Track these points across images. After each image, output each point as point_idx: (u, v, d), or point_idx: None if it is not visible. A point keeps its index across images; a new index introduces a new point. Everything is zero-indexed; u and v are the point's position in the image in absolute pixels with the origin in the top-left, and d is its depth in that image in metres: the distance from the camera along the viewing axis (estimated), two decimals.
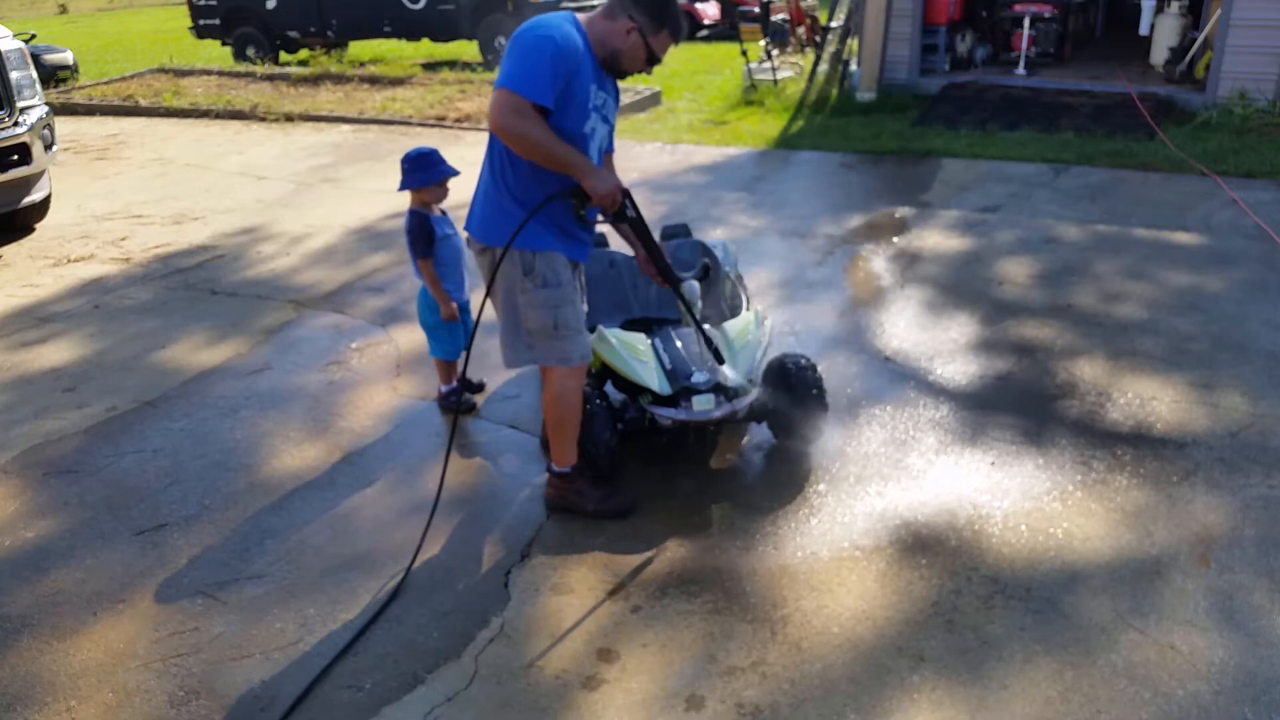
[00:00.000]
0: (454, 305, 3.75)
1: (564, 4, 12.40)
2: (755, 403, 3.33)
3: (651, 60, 2.85)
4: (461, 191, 7.08)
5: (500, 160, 2.85)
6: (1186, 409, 3.71)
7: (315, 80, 11.87)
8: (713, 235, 5.80)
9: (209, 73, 12.77)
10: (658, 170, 7.61)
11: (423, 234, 3.65)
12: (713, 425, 3.41)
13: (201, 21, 14.58)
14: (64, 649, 2.67)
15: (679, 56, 14.33)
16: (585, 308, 3.09)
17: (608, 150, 3.05)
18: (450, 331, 3.82)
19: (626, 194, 2.89)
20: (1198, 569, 2.81)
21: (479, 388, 4.04)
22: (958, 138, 8.09)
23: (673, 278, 3.16)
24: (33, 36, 10.06)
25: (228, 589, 2.89)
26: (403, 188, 3.70)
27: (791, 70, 10.88)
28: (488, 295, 2.95)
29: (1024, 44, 10.03)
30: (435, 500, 3.07)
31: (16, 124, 6.07)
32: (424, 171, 3.66)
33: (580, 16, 2.83)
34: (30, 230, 6.60)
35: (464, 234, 3.09)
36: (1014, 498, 3.19)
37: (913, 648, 2.55)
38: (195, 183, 7.81)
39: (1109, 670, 2.45)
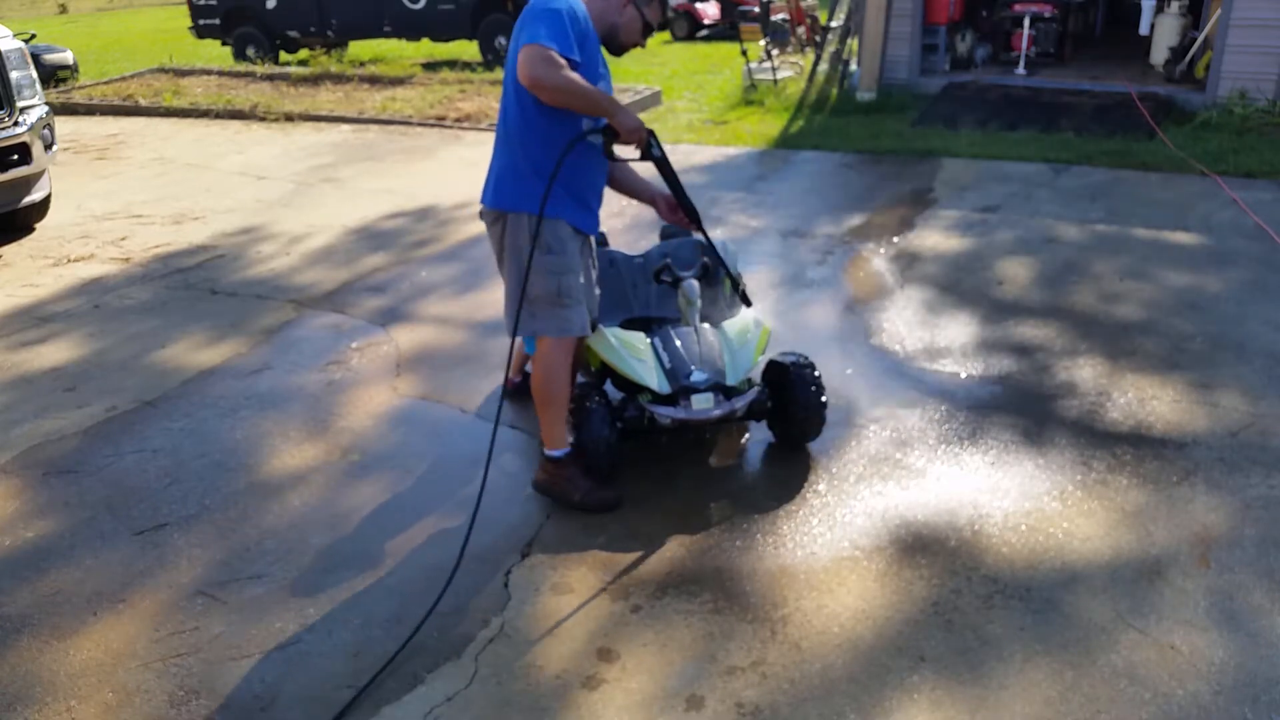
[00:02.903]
0: None
1: None
2: (754, 402, 3.34)
3: (646, 31, 3.05)
4: (463, 192, 7.07)
5: (516, 129, 2.94)
6: (1186, 409, 3.71)
7: (315, 80, 11.86)
8: (713, 235, 5.78)
9: (209, 73, 12.76)
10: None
11: None
12: (712, 424, 3.41)
13: (201, 21, 14.58)
14: (64, 649, 2.67)
15: (679, 56, 14.34)
16: (596, 280, 3.15)
17: None
18: None
19: (651, 133, 3.00)
20: (1198, 569, 2.81)
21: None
22: (958, 138, 8.09)
23: (697, 218, 3.29)
24: (33, 36, 10.06)
25: (228, 589, 2.89)
26: None
27: (791, 70, 10.88)
28: (530, 265, 2.98)
29: (1024, 44, 10.03)
30: (476, 504, 3.01)
31: (16, 124, 6.07)
32: None
33: None
34: (30, 230, 6.60)
35: (479, 206, 3.13)
36: (1014, 498, 3.19)
37: (913, 648, 2.55)
38: (195, 182, 7.80)
39: (1109, 670, 2.45)
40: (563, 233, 2.98)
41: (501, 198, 3.00)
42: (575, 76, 2.76)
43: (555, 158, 2.89)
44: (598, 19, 2.96)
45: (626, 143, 2.95)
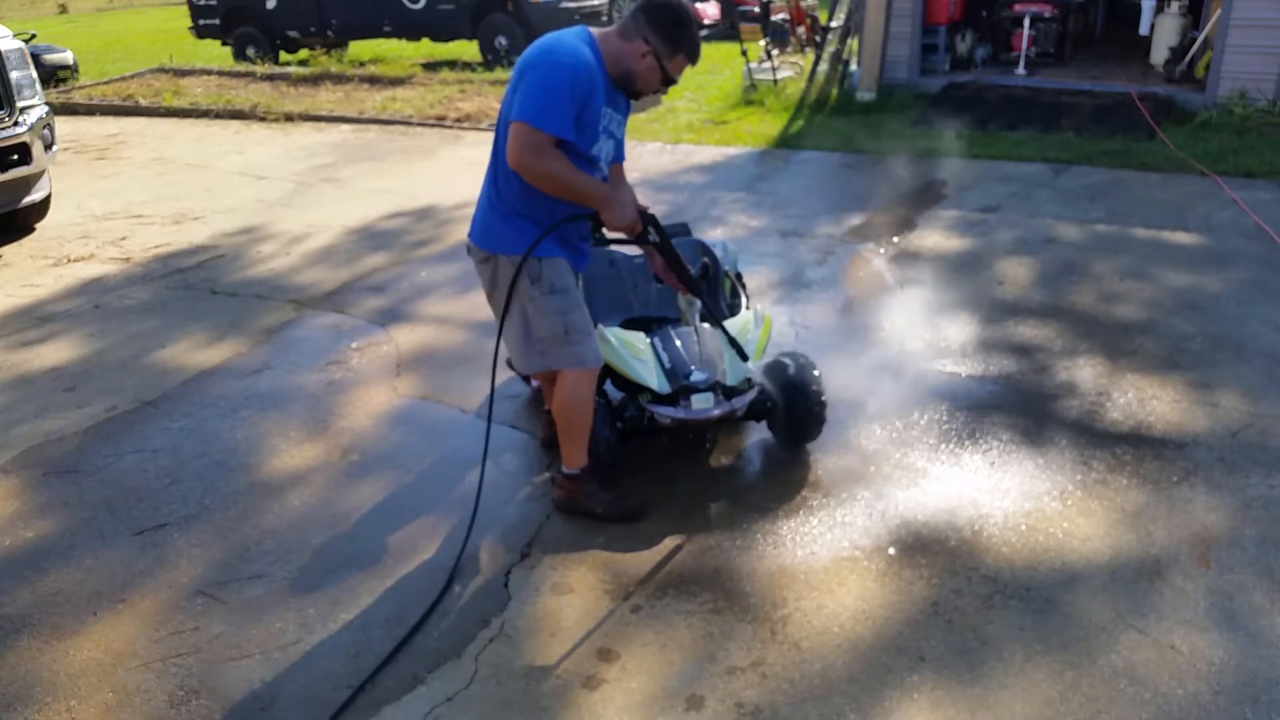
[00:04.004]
0: None
1: (564, 3, 12.40)
2: (754, 402, 3.34)
3: (667, 82, 2.85)
4: (463, 192, 7.07)
5: (505, 171, 2.83)
6: (1186, 409, 3.71)
7: (315, 80, 11.86)
8: (713, 235, 5.80)
9: (209, 73, 12.76)
10: (658, 170, 7.61)
11: None
12: (712, 424, 3.41)
13: (201, 21, 14.57)
14: (64, 649, 2.67)
15: None
16: (582, 300, 3.11)
17: (617, 160, 3.05)
18: None
19: (651, 219, 2.91)
20: (1198, 569, 2.81)
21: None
22: (957, 138, 8.08)
23: (696, 287, 3.18)
24: (33, 36, 10.05)
25: (228, 589, 2.89)
26: None
27: (791, 70, 10.87)
28: (506, 305, 2.93)
29: (1024, 44, 10.03)
30: (475, 504, 3.05)
31: (16, 124, 6.07)
32: None
33: (595, 32, 2.81)
34: (30, 230, 6.60)
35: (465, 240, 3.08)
36: (1014, 498, 3.19)
37: (913, 648, 2.55)
38: (195, 182, 7.80)
39: (1109, 670, 2.45)
40: (564, 271, 2.90)
41: (490, 240, 2.90)
42: (562, 169, 2.67)
43: (542, 205, 2.81)
44: (613, 61, 2.77)
45: (616, 233, 2.90)
